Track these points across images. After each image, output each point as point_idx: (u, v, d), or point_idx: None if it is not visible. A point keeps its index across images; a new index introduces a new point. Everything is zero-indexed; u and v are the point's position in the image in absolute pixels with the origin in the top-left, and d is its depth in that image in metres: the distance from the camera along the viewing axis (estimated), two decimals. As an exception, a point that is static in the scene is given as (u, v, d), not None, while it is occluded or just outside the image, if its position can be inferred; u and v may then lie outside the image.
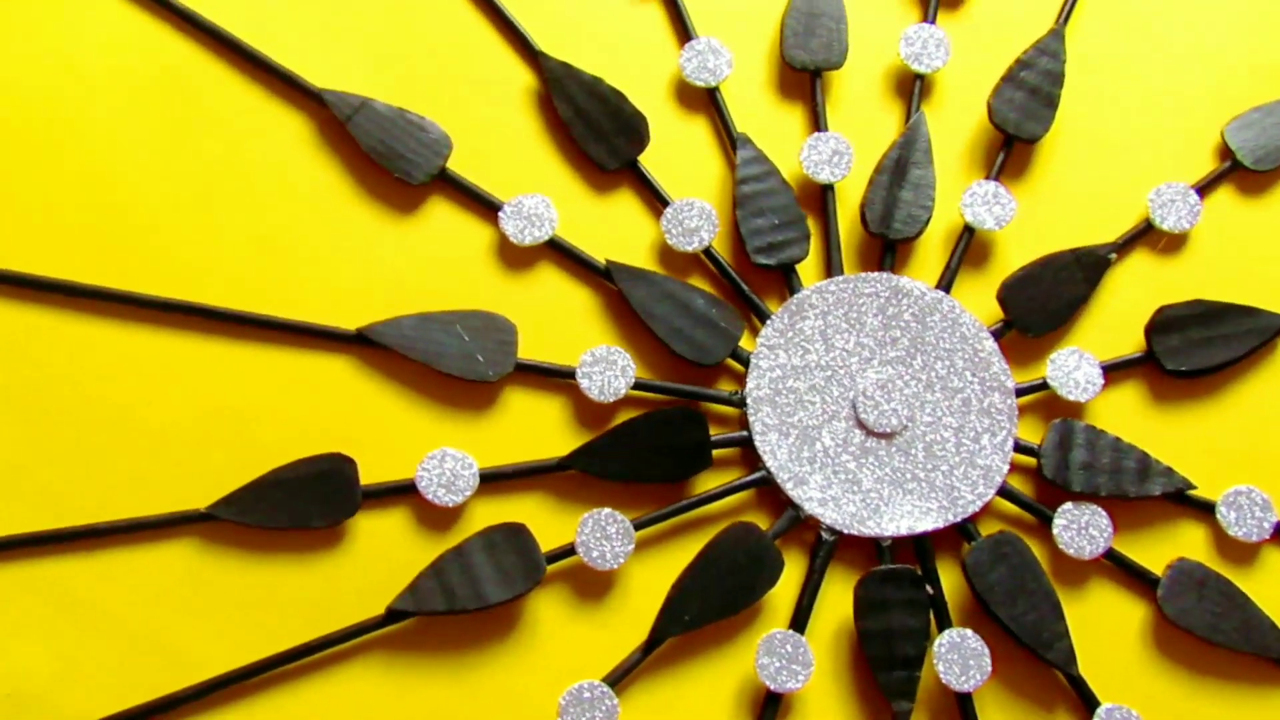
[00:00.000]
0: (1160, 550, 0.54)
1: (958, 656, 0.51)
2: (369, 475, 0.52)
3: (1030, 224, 0.57)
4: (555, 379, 0.54)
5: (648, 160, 0.57)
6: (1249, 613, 0.53)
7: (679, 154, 0.58)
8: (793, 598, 0.52)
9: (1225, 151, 0.59)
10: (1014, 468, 0.54)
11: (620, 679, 0.50)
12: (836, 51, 0.58)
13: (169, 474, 0.52)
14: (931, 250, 0.57)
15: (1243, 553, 0.54)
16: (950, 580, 0.53)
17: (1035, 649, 0.51)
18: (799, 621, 0.52)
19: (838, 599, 0.52)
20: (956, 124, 0.59)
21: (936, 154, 0.57)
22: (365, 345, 0.53)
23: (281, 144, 0.56)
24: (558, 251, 0.56)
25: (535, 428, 0.54)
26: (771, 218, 0.55)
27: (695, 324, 0.54)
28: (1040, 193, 0.58)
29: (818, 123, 0.58)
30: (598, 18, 0.59)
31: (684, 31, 0.59)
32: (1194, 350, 0.55)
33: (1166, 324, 0.56)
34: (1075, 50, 0.59)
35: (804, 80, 0.59)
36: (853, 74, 0.59)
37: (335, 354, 0.54)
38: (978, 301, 0.56)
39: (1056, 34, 0.59)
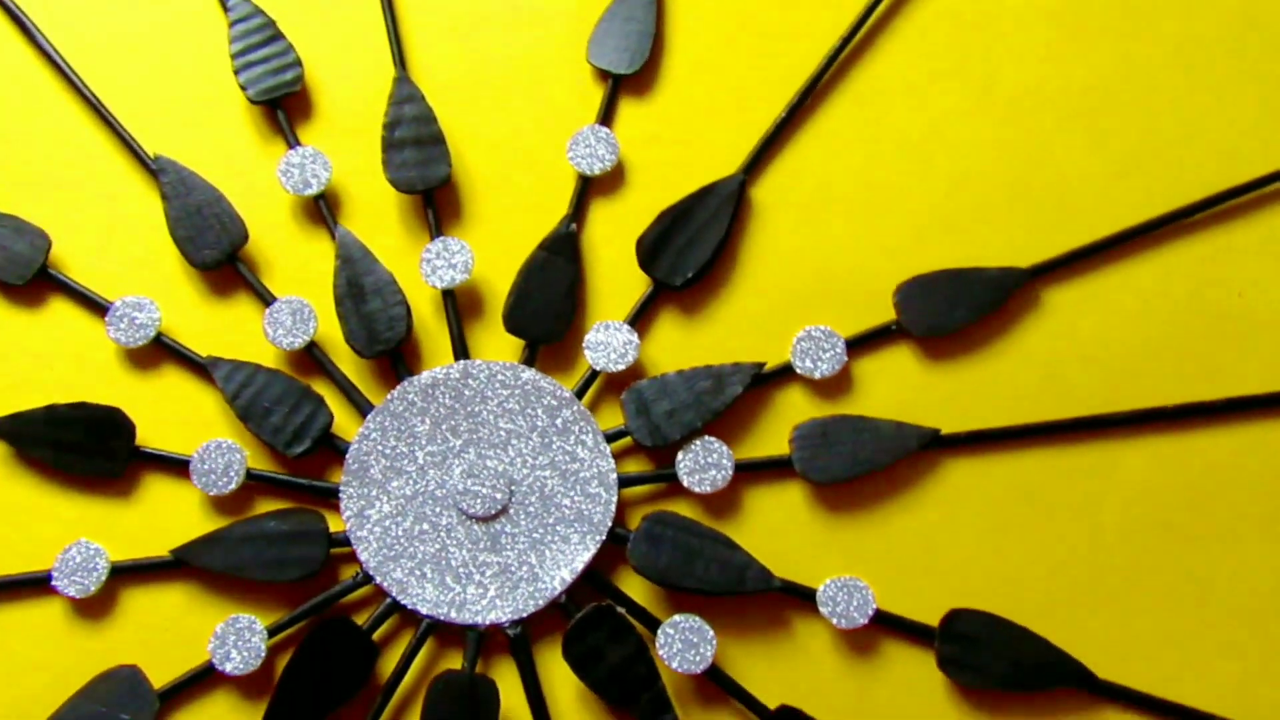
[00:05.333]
0: (777, 431, 0.56)
1: (679, 645, 0.52)
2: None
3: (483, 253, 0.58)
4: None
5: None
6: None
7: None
8: (523, 702, 0.53)
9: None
10: (622, 456, 0.56)
11: None
12: (238, 231, 0.58)
13: None
14: (434, 333, 0.58)
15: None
16: (641, 586, 0.54)
17: (735, 591, 0.53)
18: (539, 713, 0.52)
19: (563, 675, 0.53)
20: (379, 220, 0.60)
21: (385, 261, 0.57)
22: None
23: None
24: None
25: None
26: (280, 409, 0.55)
27: (282, 545, 0.54)
28: (474, 218, 0.59)
29: (266, 300, 0.57)
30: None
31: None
32: (682, 257, 0.58)
33: (651, 251, 0.58)
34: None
35: (217, 275, 0.58)
36: (261, 240, 0.59)
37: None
38: (499, 346, 0.57)
39: (402, 80, 0.60)
